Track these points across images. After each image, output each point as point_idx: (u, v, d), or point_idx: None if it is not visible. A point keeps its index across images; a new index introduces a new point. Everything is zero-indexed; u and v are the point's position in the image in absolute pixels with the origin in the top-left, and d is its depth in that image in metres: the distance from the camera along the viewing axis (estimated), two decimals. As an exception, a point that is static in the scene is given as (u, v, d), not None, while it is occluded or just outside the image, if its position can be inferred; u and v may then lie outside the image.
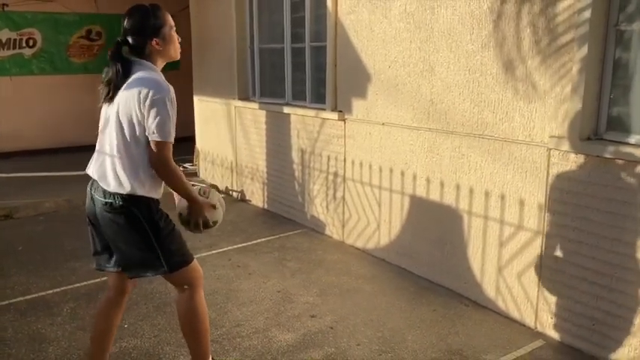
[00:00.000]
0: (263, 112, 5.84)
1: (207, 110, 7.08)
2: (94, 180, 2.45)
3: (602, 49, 2.91)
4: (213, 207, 2.58)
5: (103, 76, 2.43)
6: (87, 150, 9.73)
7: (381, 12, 4.17)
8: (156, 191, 2.43)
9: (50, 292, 3.91)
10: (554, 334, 3.23)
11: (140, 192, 2.35)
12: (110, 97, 2.39)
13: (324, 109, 4.93)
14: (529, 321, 3.37)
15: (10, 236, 5.23)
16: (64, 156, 8.78)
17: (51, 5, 8.85)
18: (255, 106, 5.95)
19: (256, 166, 6.09)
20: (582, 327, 3.07)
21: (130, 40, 2.40)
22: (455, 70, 3.64)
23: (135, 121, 2.31)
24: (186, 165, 7.41)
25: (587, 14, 2.84)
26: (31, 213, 5.94)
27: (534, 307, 3.33)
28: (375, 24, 4.23)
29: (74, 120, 9.25)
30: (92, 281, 4.08)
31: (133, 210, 2.34)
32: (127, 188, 2.33)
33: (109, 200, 2.35)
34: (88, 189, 2.49)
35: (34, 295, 3.86)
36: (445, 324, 3.43)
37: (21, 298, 3.81)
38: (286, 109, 5.42)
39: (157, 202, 2.45)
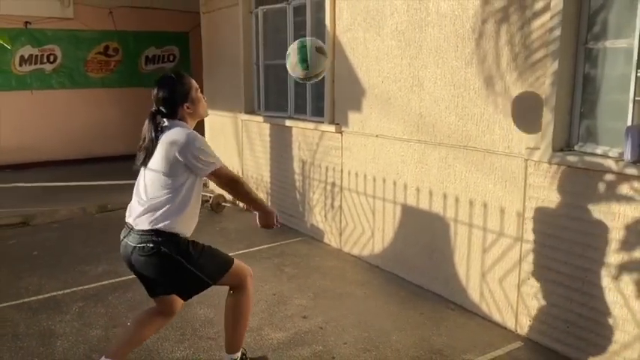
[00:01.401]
0: (267, 125, 6.09)
1: (216, 123, 7.36)
2: (129, 227, 2.65)
3: (572, 65, 3.10)
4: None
5: (140, 144, 2.67)
6: (102, 161, 10.12)
7: (374, 30, 4.40)
8: (188, 229, 2.68)
9: (61, 292, 4.17)
10: (532, 336, 3.38)
11: (174, 230, 2.58)
12: (145, 163, 2.63)
13: (322, 122, 5.16)
14: (510, 324, 3.53)
15: (26, 242, 5.52)
16: (81, 167, 9.17)
17: (71, 23, 9.28)
18: (260, 119, 6.21)
19: (261, 177, 6.33)
20: (557, 329, 3.23)
21: (163, 109, 2.66)
22: (441, 85, 3.85)
23: (173, 171, 2.56)
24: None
25: (557, 32, 3.04)
26: (47, 220, 6.25)
27: (514, 310, 3.49)
28: (370, 41, 4.47)
29: (91, 132, 9.65)
30: (100, 283, 4.34)
31: (162, 249, 2.57)
32: (159, 226, 2.55)
33: (141, 245, 2.57)
34: (122, 237, 2.69)
35: (45, 295, 4.12)
36: (430, 326, 3.60)
37: (34, 298, 4.07)
38: (288, 122, 5.67)
39: (183, 238, 2.66)
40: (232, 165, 6.96)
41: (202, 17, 7.58)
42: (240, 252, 5.06)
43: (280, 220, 2.92)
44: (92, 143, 9.66)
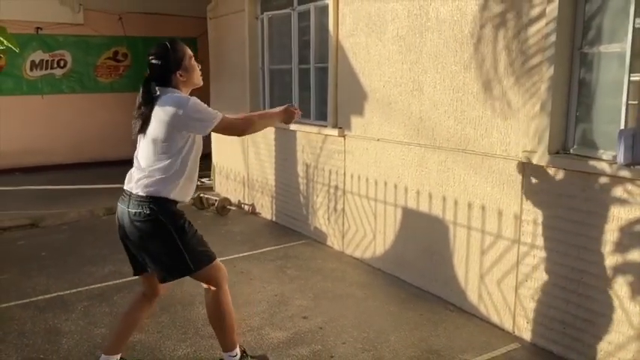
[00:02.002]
0: (272, 129, 6.17)
1: (222, 127, 7.44)
2: (127, 194, 2.71)
3: (568, 70, 3.14)
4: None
5: (134, 113, 2.71)
6: (112, 165, 10.26)
7: (376, 35, 4.47)
8: (185, 195, 2.74)
9: (67, 292, 4.26)
10: (529, 338, 3.42)
11: (170, 195, 2.65)
12: (143, 130, 2.68)
13: (325, 126, 5.23)
14: (507, 325, 3.56)
15: (35, 243, 5.62)
16: (90, 170, 9.29)
17: (81, 28, 9.44)
18: (265, 123, 6.27)
19: (266, 180, 6.41)
20: (554, 330, 3.26)
21: (156, 76, 2.70)
22: (441, 90, 3.90)
23: (170, 137, 2.60)
24: (203, 180, 7.76)
25: (553, 38, 3.08)
26: (56, 222, 6.35)
27: (512, 312, 3.52)
28: (371, 47, 4.53)
29: (100, 136, 9.78)
30: (106, 283, 4.42)
31: (159, 217, 2.63)
32: (158, 192, 2.62)
33: (139, 210, 2.63)
34: (119, 204, 2.76)
35: (52, 295, 4.20)
36: (428, 327, 3.64)
37: (41, 297, 4.16)
38: (292, 126, 5.73)
39: (180, 211, 2.74)
40: (238, 169, 7.04)
41: (209, 23, 7.69)
42: (245, 254, 5.14)
43: (296, 109, 2.99)
44: (101, 147, 9.78)
